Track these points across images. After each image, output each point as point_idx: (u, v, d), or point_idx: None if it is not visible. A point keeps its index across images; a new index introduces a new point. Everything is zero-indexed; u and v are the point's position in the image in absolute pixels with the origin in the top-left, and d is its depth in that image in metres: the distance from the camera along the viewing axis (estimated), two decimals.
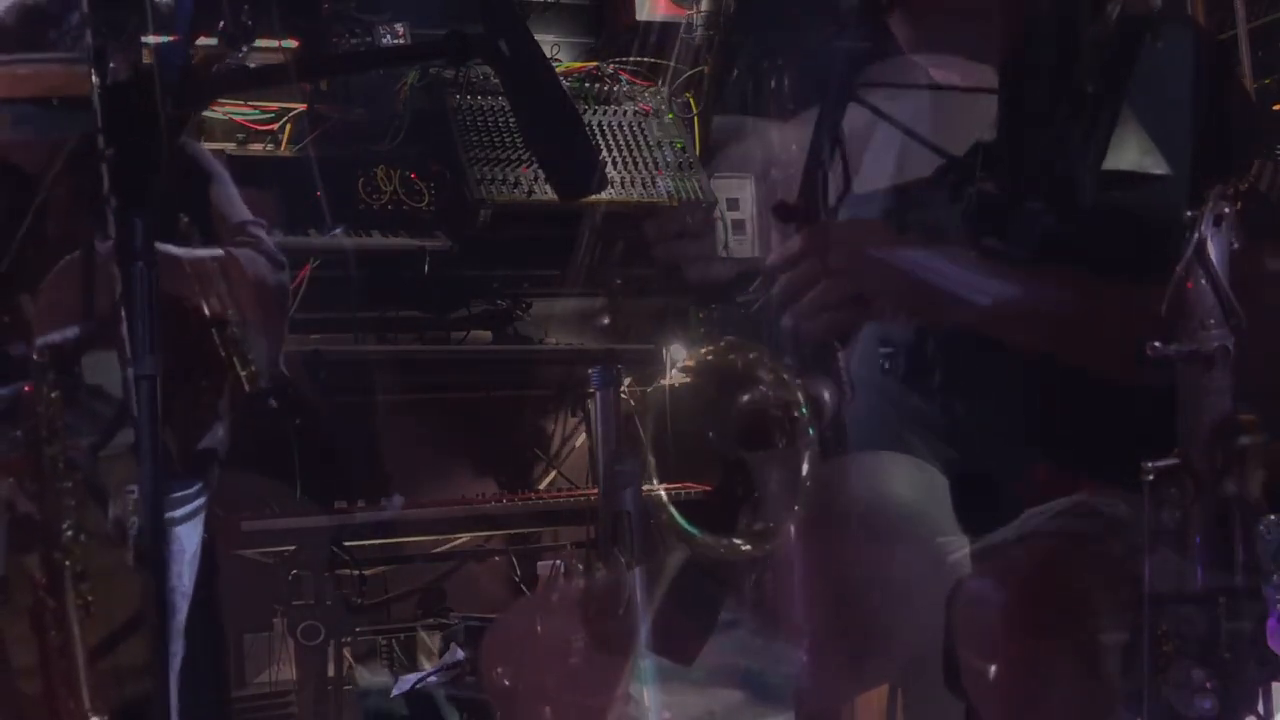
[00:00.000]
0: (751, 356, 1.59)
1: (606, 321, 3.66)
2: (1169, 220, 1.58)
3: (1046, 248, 1.61)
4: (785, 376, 1.57)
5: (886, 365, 1.73)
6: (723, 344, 1.60)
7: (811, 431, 1.54)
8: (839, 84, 1.65)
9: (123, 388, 2.03)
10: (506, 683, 1.73)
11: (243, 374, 2.04)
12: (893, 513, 1.61)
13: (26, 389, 1.93)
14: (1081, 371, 1.60)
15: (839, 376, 1.61)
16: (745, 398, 1.59)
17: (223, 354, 2.03)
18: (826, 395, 1.59)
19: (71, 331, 2.06)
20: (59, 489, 1.93)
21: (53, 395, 1.96)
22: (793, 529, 1.56)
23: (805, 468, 1.53)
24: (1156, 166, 1.59)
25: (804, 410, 1.55)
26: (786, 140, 1.76)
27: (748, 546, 1.56)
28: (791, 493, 1.53)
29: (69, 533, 1.92)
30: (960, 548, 1.63)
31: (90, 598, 1.93)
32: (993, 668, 1.41)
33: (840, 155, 1.73)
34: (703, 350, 1.60)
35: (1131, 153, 1.60)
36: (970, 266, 1.59)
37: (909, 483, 1.63)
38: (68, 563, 1.92)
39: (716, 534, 1.57)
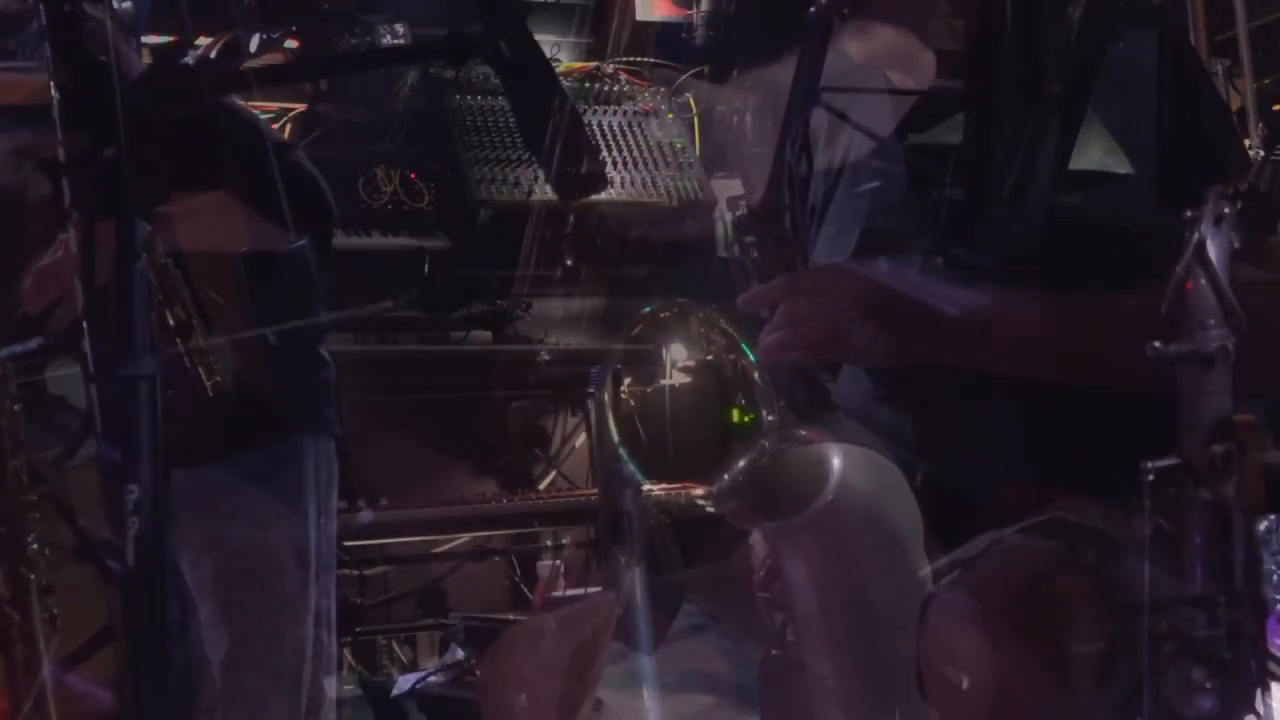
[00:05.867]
0: (705, 317, 1.59)
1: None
2: (1136, 222, 1.58)
3: (1013, 255, 1.60)
4: (736, 336, 1.56)
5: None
6: (675, 308, 1.60)
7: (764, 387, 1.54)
8: (803, 87, 1.65)
9: (86, 399, 2.02)
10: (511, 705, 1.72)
11: (208, 384, 2.03)
12: (846, 503, 1.60)
13: None
14: (1059, 385, 1.60)
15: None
16: (703, 358, 1.59)
17: (188, 364, 2.01)
18: (802, 395, 1.60)
19: (34, 342, 2.05)
20: (23, 502, 1.92)
21: (15, 407, 1.94)
22: (751, 522, 1.56)
23: (765, 420, 1.53)
24: (1120, 166, 1.59)
25: (752, 358, 1.55)
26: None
27: (706, 504, 1.55)
28: (753, 447, 1.53)
29: (34, 546, 1.91)
30: (919, 549, 1.62)
31: (56, 611, 1.91)
32: (961, 682, 1.41)
33: (807, 159, 1.73)
34: (655, 312, 1.60)
35: (1094, 152, 1.60)
36: (952, 304, 1.58)
37: (863, 473, 1.62)
38: (33, 576, 1.90)
39: (679, 491, 1.57)
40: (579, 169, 1.39)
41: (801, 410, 1.62)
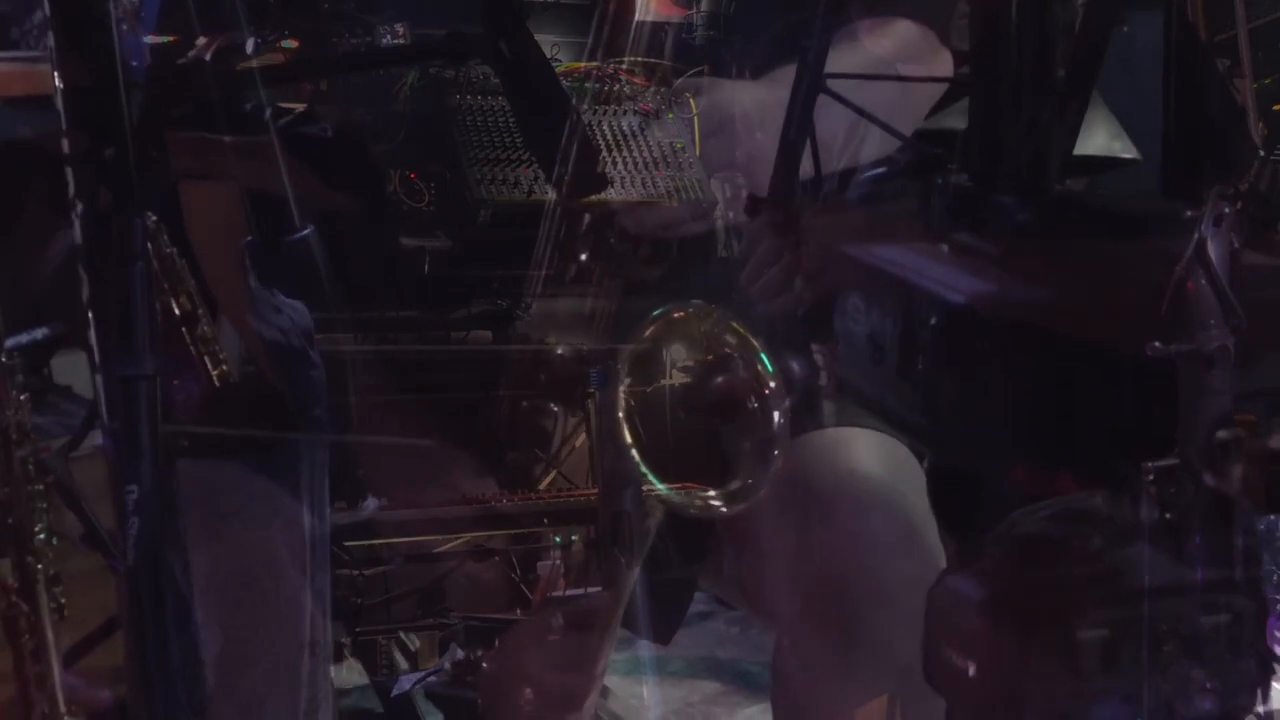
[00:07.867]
0: (717, 320, 1.60)
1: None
2: (1141, 206, 1.59)
3: (1020, 241, 1.61)
4: (748, 337, 1.57)
5: (878, 357, 1.73)
6: (689, 310, 1.61)
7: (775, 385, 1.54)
8: (808, 76, 1.65)
9: (93, 390, 2.02)
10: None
11: (214, 374, 2.03)
12: (859, 487, 1.60)
13: None
14: (1068, 368, 1.61)
15: (809, 353, 1.63)
16: (712, 360, 1.60)
17: (193, 352, 2.02)
18: (795, 367, 1.60)
19: (40, 332, 2.05)
20: (30, 492, 1.92)
21: (21, 397, 1.94)
22: (763, 508, 1.56)
23: (777, 423, 1.54)
24: (1125, 151, 1.60)
25: (769, 367, 1.56)
26: (757, 97, 1.77)
27: (721, 505, 1.57)
28: (765, 450, 1.54)
29: (41, 536, 1.91)
30: (933, 534, 1.62)
31: (64, 600, 1.92)
32: (969, 668, 1.41)
33: (812, 148, 1.74)
34: (670, 314, 1.61)
35: (1100, 137, 1.60)
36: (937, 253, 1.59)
37: (876, 458, 1.62)
38: (40, 566, 1.91)
39: (690, 493, 1.59)
40: (579, 169, 1.39)
41: (779, 340, 1.63)
